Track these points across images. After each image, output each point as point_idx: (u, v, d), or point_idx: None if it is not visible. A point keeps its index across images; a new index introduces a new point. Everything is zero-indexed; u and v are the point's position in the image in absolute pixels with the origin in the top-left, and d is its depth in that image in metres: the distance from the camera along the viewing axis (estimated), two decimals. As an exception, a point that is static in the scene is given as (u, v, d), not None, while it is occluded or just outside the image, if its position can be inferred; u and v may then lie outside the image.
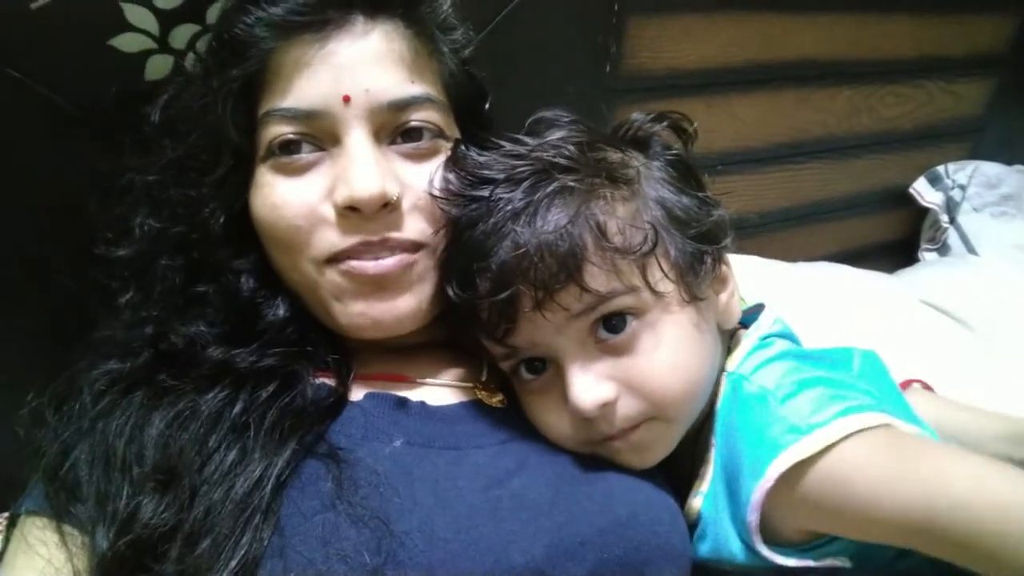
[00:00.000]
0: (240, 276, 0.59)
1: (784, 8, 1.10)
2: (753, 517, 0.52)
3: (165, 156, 0.59)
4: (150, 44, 0.63)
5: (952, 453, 0.51)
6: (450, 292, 0.56)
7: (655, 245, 0.53)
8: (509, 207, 0.53)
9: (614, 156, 0.57)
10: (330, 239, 0.55)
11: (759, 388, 0.55)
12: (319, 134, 0.56)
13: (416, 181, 0.57)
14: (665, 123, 0.62)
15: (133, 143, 0.61)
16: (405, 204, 0.56)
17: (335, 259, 0.56)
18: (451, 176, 0.57)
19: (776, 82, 1.16)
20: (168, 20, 0.63)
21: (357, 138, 0.55)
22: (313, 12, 0.54)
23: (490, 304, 0.53)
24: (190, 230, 0.58)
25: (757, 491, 0.51)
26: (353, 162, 0.54)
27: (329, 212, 0.55)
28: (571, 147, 0.55)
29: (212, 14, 0.64)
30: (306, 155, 0.56)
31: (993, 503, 0.45)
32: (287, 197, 0.56)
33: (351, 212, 0.54)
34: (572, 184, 0.53)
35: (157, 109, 0.61)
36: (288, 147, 0.56)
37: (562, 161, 0.54)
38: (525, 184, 0.53)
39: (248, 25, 0.54)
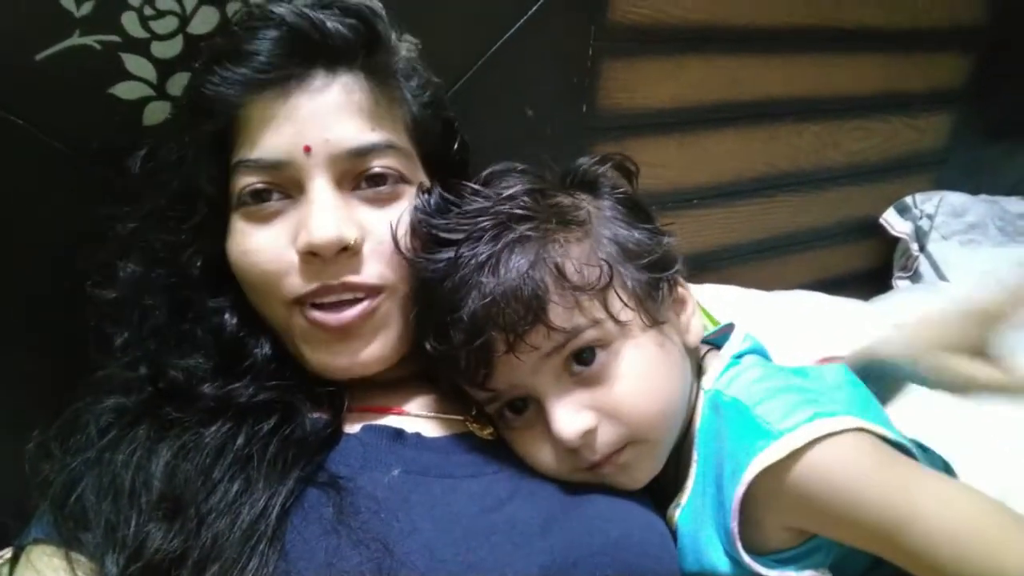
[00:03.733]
0: (223, 314, 0.61)
1: (750, 50, 1.13)
2: (734, 524, 0.53)
3: (148, 204, 0.61)
4: (148, 91, 0.65)
5: (921, 469, 0.52)
6: (428, 347, 0.57)
7: (611, 279, 0.55)
8: (473, 261, 0.55)
9: (565, 201, 0.59)
10: (294, 283, 0.57)
11: (733, 398, 0.57)
12: (285, 183, 0.58)
13: (378, 226, 0.59)
14: (609, 164, 0.64)
15: (118, 192, 0.62)
16: (366, 248, 0.58)
17: (300, 302, 0.58)
18: (416, 244, 0.59)
19: (745, 120, 1.18)
20: (166, 69, 0.65)
21: (318, 185, 0.57)
22: (276, 70, 0.57)
23: (466, 353, 0.55)
24: (170, 273, 0.60)
25: (735, 497, 0.52)
26: (312, 209, 0.56)
27: (295, 257, 0.57)
28: (525, 198, 0.57)
29: (208, 62, 0.66)
30: (274, 203, 0.58)
31: (954, 522, 0.47)
32: (257, 243, 0.58)
33: (312, 257, 0.56)
34: (529, 232, 0.55)
35: (137, 161, 0.63)
36: (258, 195, 0.58)
37: (518, 212, 0.56)
38: (486, 238, 0.55)
39: (215, 84, 0.57)
